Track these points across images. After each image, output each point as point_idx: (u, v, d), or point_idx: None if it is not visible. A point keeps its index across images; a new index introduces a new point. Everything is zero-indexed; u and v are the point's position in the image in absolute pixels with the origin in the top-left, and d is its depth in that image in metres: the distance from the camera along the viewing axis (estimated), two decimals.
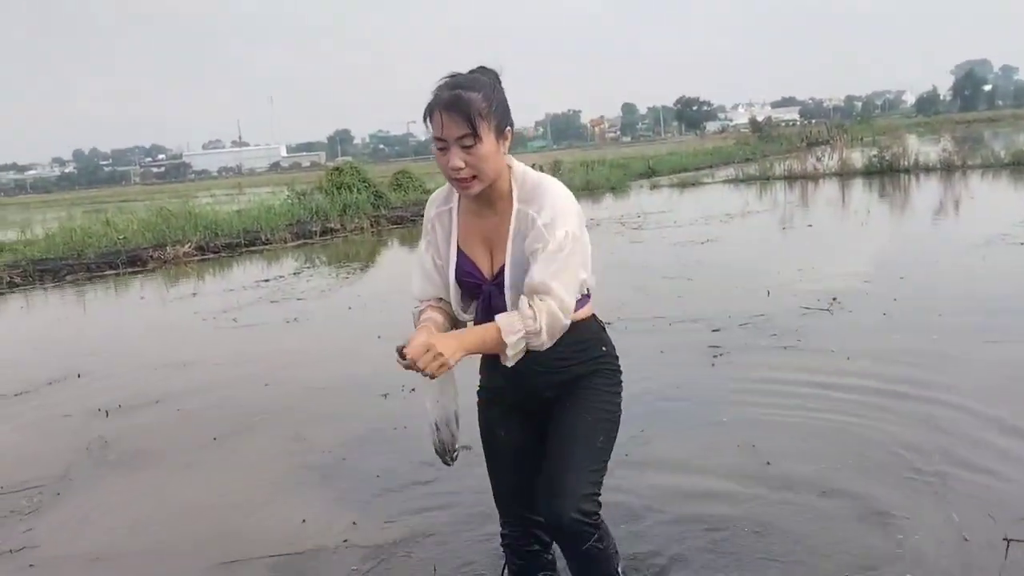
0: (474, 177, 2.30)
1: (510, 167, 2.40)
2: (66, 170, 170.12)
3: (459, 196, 2.49)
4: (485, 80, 2.33)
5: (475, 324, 2.45)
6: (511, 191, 2.38)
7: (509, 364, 2.31)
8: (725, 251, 10.92)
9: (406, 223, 18.98)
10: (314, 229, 17.94)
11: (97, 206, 33.35)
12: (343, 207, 19.71)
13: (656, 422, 4.48)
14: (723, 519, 3.37)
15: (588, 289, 2.48)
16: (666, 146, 52.31)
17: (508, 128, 2.35)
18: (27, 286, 13.50)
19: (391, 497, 3.89)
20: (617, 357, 2.60)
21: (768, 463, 3.89)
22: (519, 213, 2.35)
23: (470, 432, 2.68)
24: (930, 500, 3.42)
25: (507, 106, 2.35)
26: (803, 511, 3.40)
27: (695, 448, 4.16)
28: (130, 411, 5.66)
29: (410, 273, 2.55)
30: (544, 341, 2.28)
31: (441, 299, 2.52)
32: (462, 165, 2.27)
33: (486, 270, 2.44)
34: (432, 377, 2.22)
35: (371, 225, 18.84)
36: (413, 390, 5.22)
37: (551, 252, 2.26)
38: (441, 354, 2.18)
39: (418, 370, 2.19)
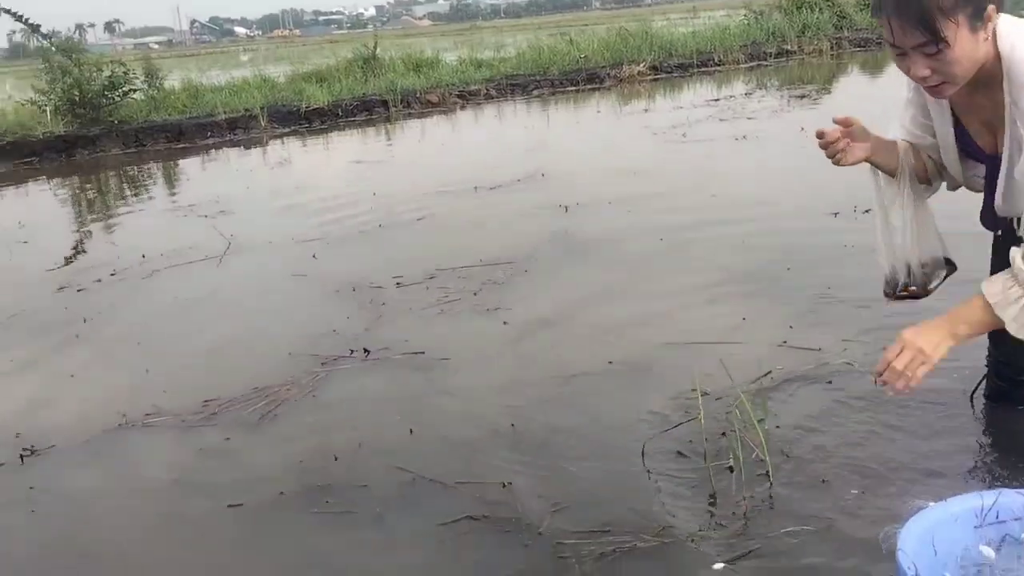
0: (943, 83, 1.86)
1: (996, 42, 1.86)
2: None
3: None
4: None
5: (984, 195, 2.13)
6: (1000, 76, 1.88)
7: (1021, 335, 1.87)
8: None
9: (870, 46, 17.41)
10: (769, 51, 17.23)
11: (561, 29, 35.14)
12: (802, 27, 18.57)
13: None
14: None
15: None
16: None
17: (989, 6, 1.79)
18: (500, 98, 14.87)
19: (833, 308, 3.77)
20: None
21: None
22: (1012, 108, 1.89)
23: None
24: None
25: None
26: None
27: None
28: (587, 207, 6.09)
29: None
30: None
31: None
32: (927, 74, 1.84)
33: (988, 147, 2.07)
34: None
35: (831, 48, 17.60)
36: (867, 211, 4.93)
37: None
38: (923, 351, 1.84)
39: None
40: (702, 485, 2.51)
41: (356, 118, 13.52)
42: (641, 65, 16.14)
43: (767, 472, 2.51)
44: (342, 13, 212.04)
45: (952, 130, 2.10)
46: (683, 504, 2.43)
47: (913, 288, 2.30)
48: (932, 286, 2.30)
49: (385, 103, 13.96)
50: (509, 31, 52.94)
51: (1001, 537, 1.74)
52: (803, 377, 3.11)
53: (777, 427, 2.75)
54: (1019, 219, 1.99)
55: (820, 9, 19.46)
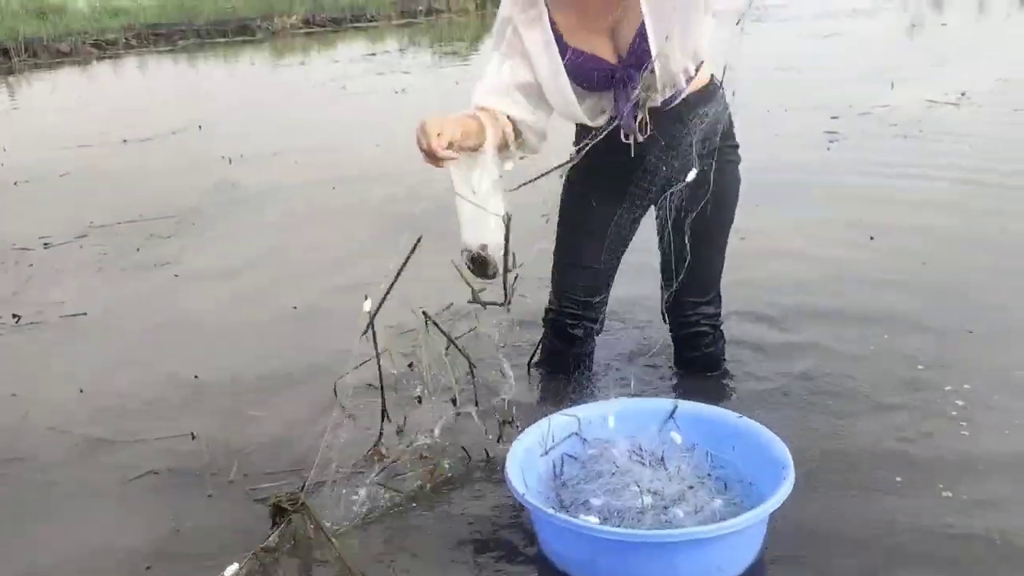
0: None
1: None
2: None
3: None
4: None
5: (619, 120, 2.15)
6: None
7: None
8: (849, 45, 10.36)
9: None
10: (420, 8, 17.61)
11: None
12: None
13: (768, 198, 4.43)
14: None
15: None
16: None
17: None
18: (142, 48, 13.81)
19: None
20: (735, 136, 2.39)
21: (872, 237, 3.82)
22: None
23: None
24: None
25: None
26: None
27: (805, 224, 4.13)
28: (251, 160, 5.92)
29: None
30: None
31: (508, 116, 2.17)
32: None
33: (610, 55, 2.15)
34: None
35: (476, 8, 18.37)
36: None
37: None
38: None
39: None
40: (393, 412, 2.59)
41: None
42: (294, 17, 15.79)
43: (453, 399, 2.61)
44: None
45: (560, 61, 2.13)
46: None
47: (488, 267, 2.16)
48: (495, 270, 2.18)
49: (6, 52, 12.38)
50: None
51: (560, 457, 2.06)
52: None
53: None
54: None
55: None
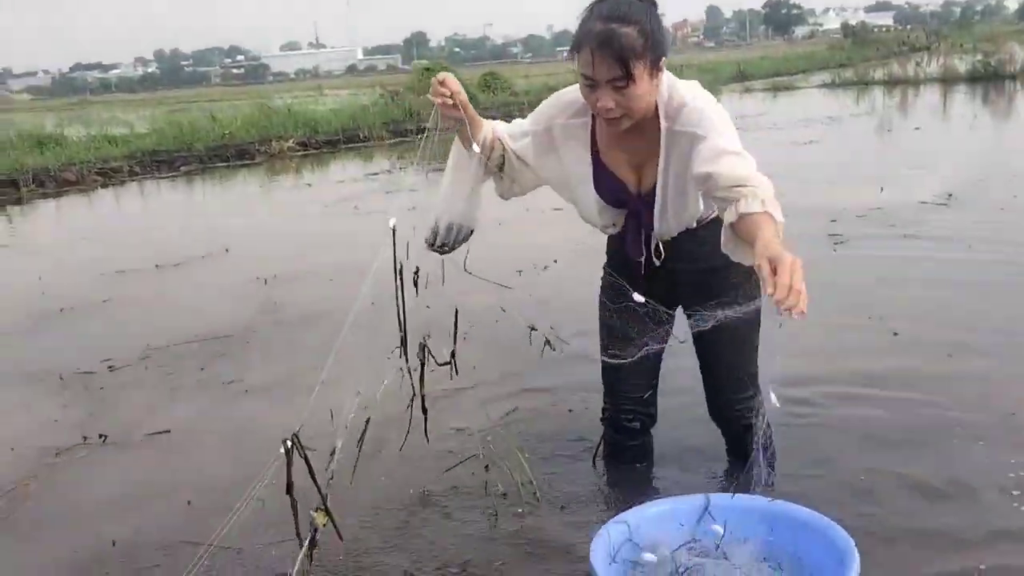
0: (624, 115, 2.21)
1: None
2: (148, 70, 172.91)
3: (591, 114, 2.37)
4: (640, 6, 2.15)
5: (625, 240, 2.50)
6: (656, 110, 2.28)
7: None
8: (830, 151, 10.97)
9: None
10: (410, 128, 18.26)
11: (183, 106, 34.01)
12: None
13: None
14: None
15: None
16: (753, 51, 50.86)
17: (663, 59, 2.20)
18: (146, 175, 14.23)
19: None
20: None
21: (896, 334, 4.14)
22: (669, 133, 2.27)
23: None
24: None
25: (663, 35, 2.19)
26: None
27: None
28: (285, 280, 6.17)
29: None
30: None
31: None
32: (612, 106, 2.17)
33: (632, 185, 2.41)
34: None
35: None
36: (546, 268, 5.61)
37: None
38: (793, 259, 1.89)
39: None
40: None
41: None
42: (290, 141, 16.34)
43: (534, 494, 2.86)
44: None
45: (591, 173, 2.41)
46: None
47: (445, 247, 2.55)
48: (452, 247, 2.56)
49: (15, 183, 12.73)
50: (123, 107, 50.05)
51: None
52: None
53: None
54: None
55: None
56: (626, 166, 2.40)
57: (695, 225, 2.48)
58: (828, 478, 2.84)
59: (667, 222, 2.41)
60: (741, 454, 2.79)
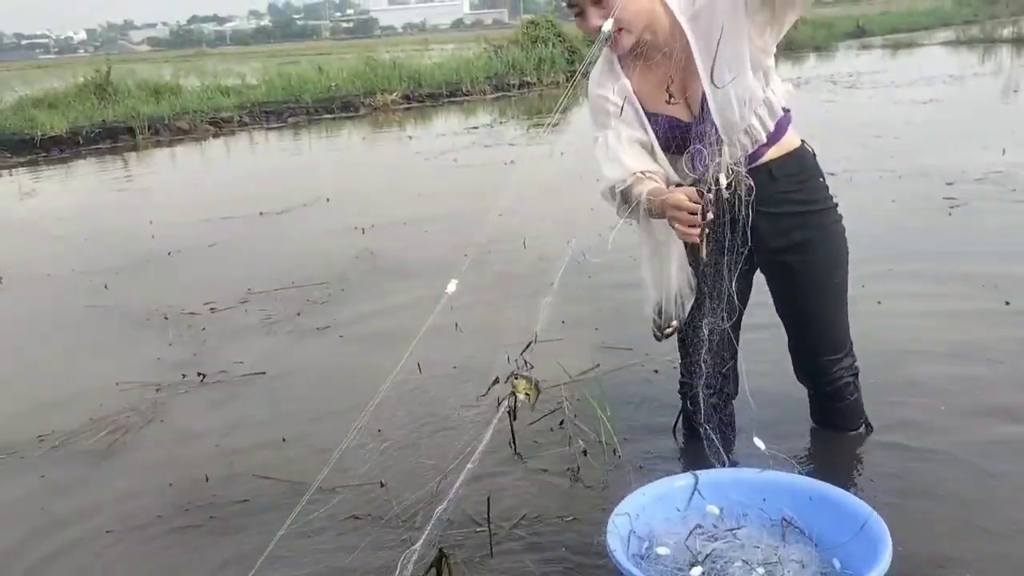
0: (621, 30, 2.09)
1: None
2: (262, 23, 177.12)
3: (616, 59, 2.28)
4: None
5: (696, 175, 2.24)
6: (667, 11, 2.15)
7: None
8: (952, 111, 10.38)
9: None
10: (512, 82, 18.20)
11: (293, 58, 34.57)
12: (538, 61, 19.79)
13: (898, 262, 4.54)
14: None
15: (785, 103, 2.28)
16: (874, 5, 48.61)
17: None
18: (255, 125, 14.61)
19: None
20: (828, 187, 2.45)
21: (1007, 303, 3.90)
22: (693, 20, 2.13)
23: None
24: None
25: None
26: None
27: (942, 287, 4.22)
28: (382, 229, 6.25)
29: (598, 161, 2.34)
30: None
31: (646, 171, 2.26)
32: (601, 22, 2.06)
33: (686, 116, 2.24)
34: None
35: (567, 80, 18.90)
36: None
37: None
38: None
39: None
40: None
41: (100, 146, 12.75)
42: (394, 94, 16.50)
43: (615, 451, 2.82)
44: (48, 36, 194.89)
45: (649, 124, 2.26)
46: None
47: (675, 323, 2.43)
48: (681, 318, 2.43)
49: (131, 130, 13.26)
50: (237, 59, 51.30)
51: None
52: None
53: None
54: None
55: (553, 44, 20.85)
56: (668, 97, 2.23)
57: (765, 139, 2.26)
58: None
59: (731, 110, 2.17)
60: (833, 414, 2.70)
